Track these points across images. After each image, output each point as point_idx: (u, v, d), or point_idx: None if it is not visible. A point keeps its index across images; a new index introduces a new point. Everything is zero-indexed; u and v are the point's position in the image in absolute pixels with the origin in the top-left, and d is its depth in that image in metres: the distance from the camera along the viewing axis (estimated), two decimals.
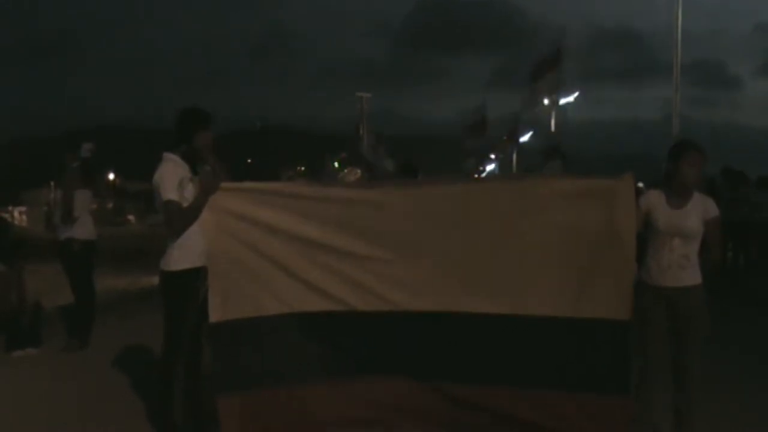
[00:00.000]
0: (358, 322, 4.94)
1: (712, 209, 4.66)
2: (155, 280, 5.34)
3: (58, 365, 7.02)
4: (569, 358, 4.74)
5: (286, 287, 4.92)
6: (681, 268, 4.61)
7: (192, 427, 4.88)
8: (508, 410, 4.81)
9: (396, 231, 4.93)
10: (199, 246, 4.73)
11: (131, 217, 63.23)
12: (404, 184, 5.58)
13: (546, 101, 37.52)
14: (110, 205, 65.73)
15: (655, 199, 4.69)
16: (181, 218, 4.64)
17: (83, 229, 7.67)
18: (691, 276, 4.63)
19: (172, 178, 4.65)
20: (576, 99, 36.75)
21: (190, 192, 4.68)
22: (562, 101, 37.00)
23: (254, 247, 4.89)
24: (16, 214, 55.23)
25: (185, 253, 4.70)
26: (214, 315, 4.79)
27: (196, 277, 4.74)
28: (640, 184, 7.89)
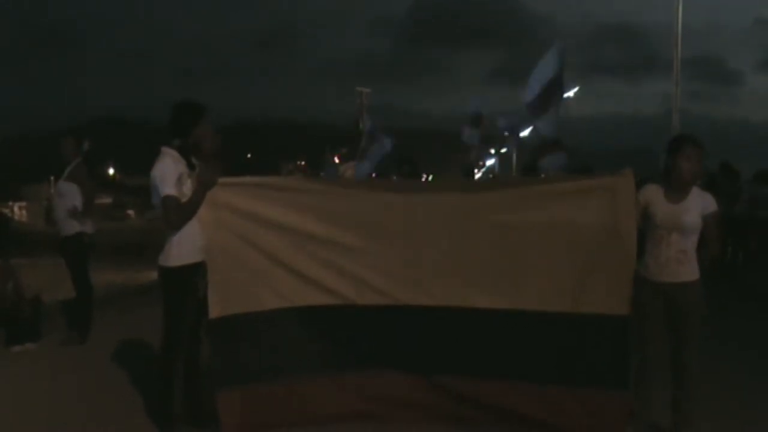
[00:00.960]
0: (358, 316, 4.96)
1: (710, 204, 4.65)
2: (154, 274, 5.33)
3: (58, 360, 7.02)
4: (569, 353, 4.75)
5: (284, 281, 4.93)
6: (679, 263, 4.60)
7: (191, 422, 4.88)
8: (506, 404, 4.83)
9: (396, 226, 4.94)
10: (198, 241, 4.73)
11: (130, 212, 63.19)
12: (403, 179, 5.60)
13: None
14: (109, 200, 65.78)
15: (654, 193, 4.68)
16: (179, 213, 4.63)
17: (90, 224, 7.69)
18: (689, 271, 4.62)
19: (172, 173, 4.64)
20: (576, 93, 36.70)
21: (188, 187, 4.68)
22: (564, 95, 36.94)
23: (252, 241, 4.89)
24: (16, 209, 55.20)
25: (184, 248, 4.69)
26: (214, 310, 4.79)
27: (195, 272, 4.74)
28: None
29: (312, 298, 4.97)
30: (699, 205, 4.63)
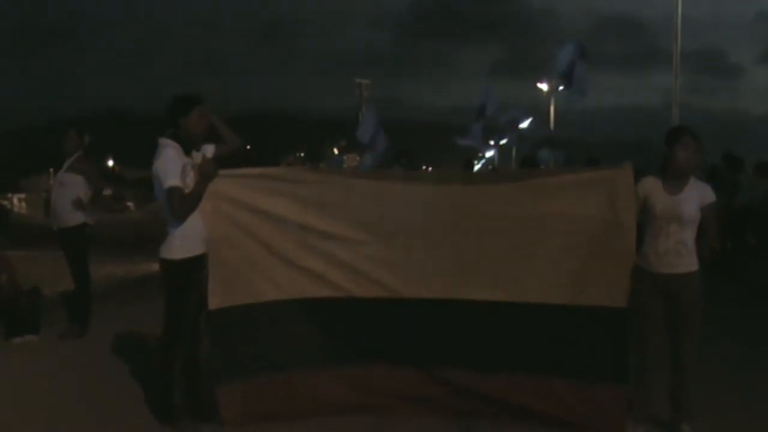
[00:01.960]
0: (357, 308, 4.96)
1: (708, 195, 4.66)
2: (154, 266, 5.33)
3: (57, 352, 7.02)
4: (568, 346, 4.76)
5: (284, 274, 4.94)
6: (678, 254, 4.60)
7: (192, 415, 4.89)
8: (506, 397, 4.84)
9: (395, 218, 4.94)
10: (200, 233, 4.73)
11: (130, 204, 63.13)
12: (403, 171, 5.61)
13: (545, 87, 37.47)
14: (109, 193, 65.69)
15: (652, 185, 4.68)
16: (183, 205, 4.62)
17: (91, 215, 7.69)
18: (688, 263, 4.63)
19: (176, 164, 4.61)
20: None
21: (191, 179, 4.67)
22: (562, 88, 36.91)
23: (253, 233, 4.89)
24: (15, 201, 55.10)
25: (187, 241, 4.68)
26: (213, 302, 4.80)
27: (197, 265, 4.74)
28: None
29: (311, 290, 4.97)
30: (697, 195, 4.64)
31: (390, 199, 4.97)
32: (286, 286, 4.97)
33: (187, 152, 4.76)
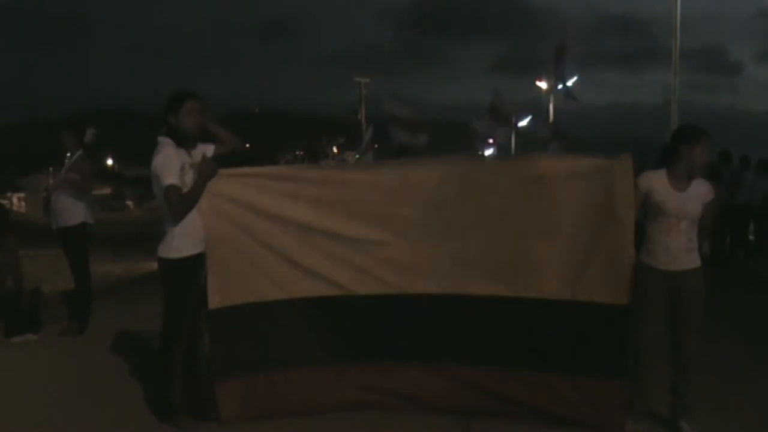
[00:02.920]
0: (358, 305, 4.96)
1: (710, 192, 4.69)
2: (153, 264, 5.33)
3: (57, 350, 7.03)
4: (568, 342, 4.76)
5: (284, 272, 4.94)
6: (687, 251, 4.64)
7: (191, 413, 4.89)
8: (506, 393, 4.84)
9: (395, 213, 4.93)
10: (198, 232, 4.73)
11: (130, 203, 63.15)
12: (401, 165, 5.58)
13: (545, 85, 37.49)
14: (108, 191, 65.71)
15: (657, 181, 4.67)
16: (182, 204, 4.61)
17: (89, 214, 7.69)
18: (695, 259, 4.67)
19: (174, 163, 4.61)
20: (575, 83, 36.63)
21: (190, 177, 4.67)
22: (561, 86, 36.93)
23: (251, 232, 4.89)
24: (14, 200, 55.07)
25: (185, 240, 4.68)
26: (213, 301, 4.80)
27: (195, 263, 4.74)
28: None
29: (312, 288, 4.97)
30: (701, 193, 4.67)
31: (389, 194, 4.96)
32: (286, 285, 4.97)
33: (186, 150, 4.76)
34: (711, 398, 5.10)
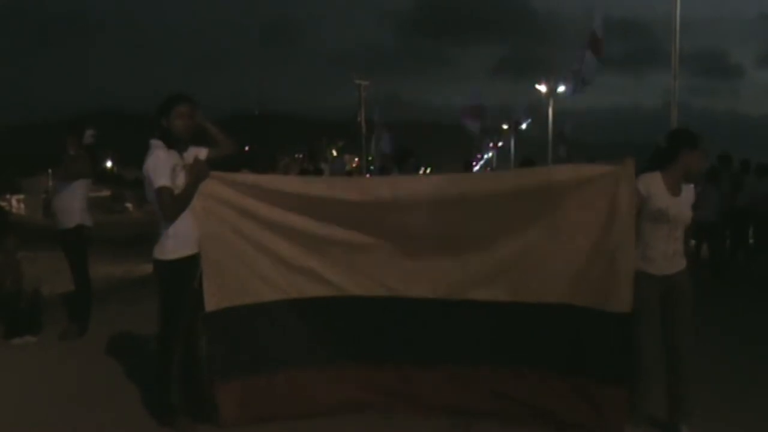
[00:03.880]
0: (356, 306, 4.96)
1: (693, 195, 4.80)
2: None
3: (57, 353, 7.03)
4: (568, 346, 4.75)
5: (280, 273, 4.94)
6: (680, 254, 4.71)
7: (191, 415, 4.89)
8: (506, 396, 4.84)
9: (393, 221, 4.92)
10: (192, 233, 4.74)
11: (129, 205, 63.12)
12: (401, 178, 5.57)
13: (544, 89, 37.52)
14: (108, 193, 65.70)
15: (655, 186, 4.66)
16: (173, 205, 4.63)
17: (88, 216, 7.69)
18: (685, 260, 4.75)
19: (165, 164, 4.63)
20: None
21: (181, 179, 4.68)
22: (561, 89, 36.99)
23: (245, 233, 4.89)
24: (14, 201, 55.05)
25: (179, 241, 4.70)
26: (210, 303, 4.80)
27: (190, 264, 4.75)
28: None
29: (309, 289, 4.97)
30: (690, 197, 4.76)
31: (385, 205, 4.92)
32: (283, 286, 4.97)
33: (178, 152, 4.77)
34: (710, 401, 5.10)
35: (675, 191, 4.66)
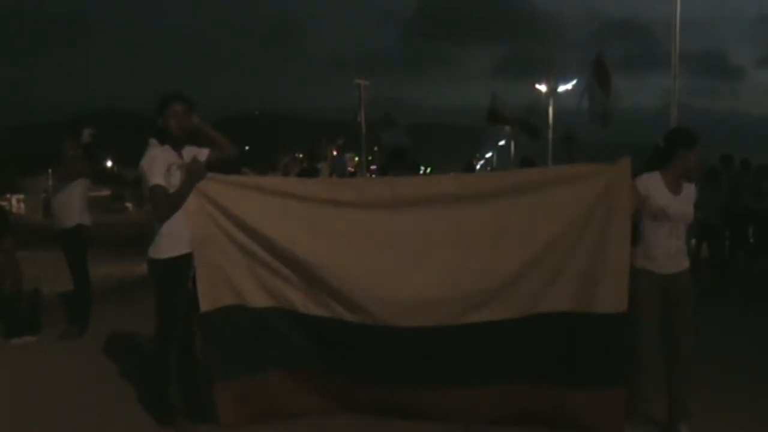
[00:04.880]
0: (347, 329, 4.84)
1: (694, 195, 4.79)
2: None
3: (56, 353, 7.02)
4: (565, 351, 4.73)
5: (271, 282, 4.88)
6: (682, 253, 4.71)
7: (189, 414, 4.89)
8: (504, 401, 4.81)
9: (386, 237, 4.83)
10: (187, 233, 4.75)
11: (129, 205, 63.07)
12: (398, 181, 5.42)
13: (544, 88, 37.52)
14: (108, 193, 65.65)
15: (654, 185, 4.67)
16: (167, 203, 4.64)
17: (87, 216, 7.69)
18: (687, 260, 4.74)
19: (160, 163, 4.64)
20: (574, 86, 36.64)
21: (177, 178, 4.68)
22: (561, 88, 37.00)
23: (240, 235, 4.84)
24: (14, 201, 55.03)
25: (174, 240, 4.70)
26: (204, 304, 4.78)
27: (185, 263, 4.76)
28: None
29: (297, 303, 4.90)
30: (691, 196, 4.76)
31: (379, 215, 4.86)
32: (274, 294, 4.90)
33: (175, 151, 4.77)
34: (710, 402, 5.11)
35: (675, 190, 4.67)
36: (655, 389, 4.70)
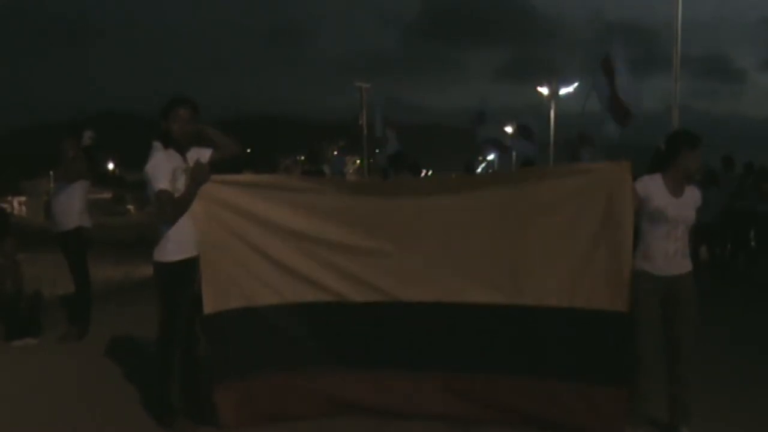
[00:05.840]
0: (353, 313, 4.95)
1: (699, 198, 4.78)
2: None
3: (57, 355, 7.02)
4: (566, 349, 4.75)
5: (278, 277, 4.94)
6: (683, 255, 4.68)
7: (191, 416, 4.89)
8: (504, 399, 4.83)
9: (391, 224, 4.93)
10: (192, 236, 4.75)
11: (130, 207, 63.15)
12: (398, 181, 5.56)
13: (546, 91, 37.53)
14: (109, 195, 65.76)
15: (655, 187, 4.68)
16: (173, 208, 4.65)
17: (87, 218, 7.69)
18: (688, 263, 4.72)
19: (165, 167, 4.65)
20: (576, 89, 36.63)
21: (182, 182, 4.69)
22: (562, 91, 37.03)
23: (245, 237, 4.89)
24: (15, 204, 55.10)
25: (179, 243, 4.71)
26: (208, 306, 4.80)
27: (190, 267, 4.75)
28: None
29: (307, 294, 4.96)
30: (695, 199, 4.74)
31: (384, 204, 4.95)
32: (281, 290, 4.96)
33: (180, 154, 4.78)
34: (711, 403, 5.10)
35: (676, 192, 4.67)
36: (655, 389, 4.70)
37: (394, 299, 4.93)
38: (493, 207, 4.82)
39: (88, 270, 7.77)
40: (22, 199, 60.77)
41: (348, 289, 4.96)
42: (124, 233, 24.11)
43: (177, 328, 4.79)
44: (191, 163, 4.78)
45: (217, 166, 4.92)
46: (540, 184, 4.78)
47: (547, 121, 37.34)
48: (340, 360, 4.99)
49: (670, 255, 4.65)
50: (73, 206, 7.52)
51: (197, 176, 4.74)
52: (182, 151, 4.81)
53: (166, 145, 4.75)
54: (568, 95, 37.16)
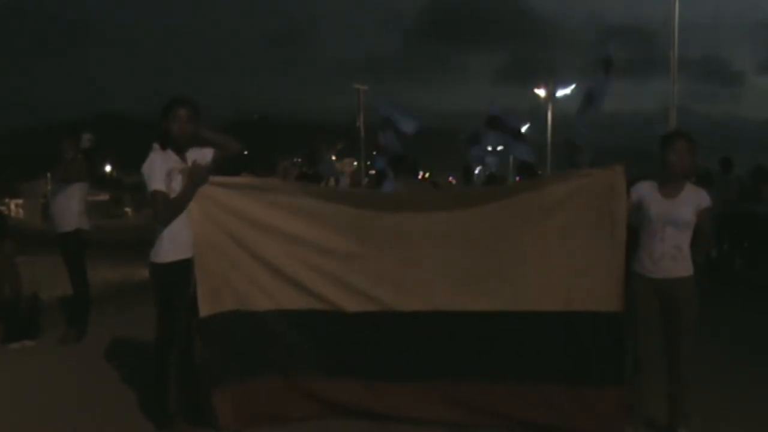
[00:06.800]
0: (348, 323, 4.92)
1: (705, 200, 4.68)
2: None
3: (55, 357, 7.01)
4: (563, 351, 4.75)
5: (273, 284, 4.92)
6: (673, 258, 4.60)
7: (189, 419, 4.88)
8: (503, 404, 4.81)
9: (387, 231, 4.90)
10: (189, 237, 4.74)
11: (128, 209, 63.10)
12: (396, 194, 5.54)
13: (543, 93, 37.60)
14: (107, 197, 65.70)
15: (647, 189, 4.70)
16: (168, 208, 4.64)
17: (85, 220, 7.69)
18: (683, 267, 4.63)
19: (159, 168, 4.64)
20: (572, 91, 36.69)
21: (178, 183, 4.68)
22: (560, 93, 37.10)
23: (242, 241, 4.87)
24: (12, 206, 55.00)
25: (175, 244, 4.70)
26: (204, 308, 4.79)
27: (186, 268, 4.75)
28: None
29: (300, 301, 4.94)
30: (693, 200, 4.65)
31: (380, 212, 4.94)
32: (275, 296, 4.94)
33: (178, 155, 4.77)
34: (709, 405, 5.10)
35: (669, 194, 4.64)
36: (655, 389, 4.70)
37: (391, 309, 4.91)
38: (489, 215, 4.83)
39: (86, 272, 7.77)
40: (19, 201, 60.62)
41: (343, 298, 4.93)
42: (122, 235, 24.08)
43: (175, 329, 4.77)
44: (190, 163, 4.78)
45: (220, 167, 4.92)
46: (534, 191, 4.81)
47: (545, 123, 37.41)
48: (338, 366, 4.97)
49: (656, 257, 4.61)
50: (71, 208, 7.52)
51: (195, 177, 4.73)
52: (181, 151, 4.80)
53: (164, 145, 4.75)
54: (566, 97, 37.21)
